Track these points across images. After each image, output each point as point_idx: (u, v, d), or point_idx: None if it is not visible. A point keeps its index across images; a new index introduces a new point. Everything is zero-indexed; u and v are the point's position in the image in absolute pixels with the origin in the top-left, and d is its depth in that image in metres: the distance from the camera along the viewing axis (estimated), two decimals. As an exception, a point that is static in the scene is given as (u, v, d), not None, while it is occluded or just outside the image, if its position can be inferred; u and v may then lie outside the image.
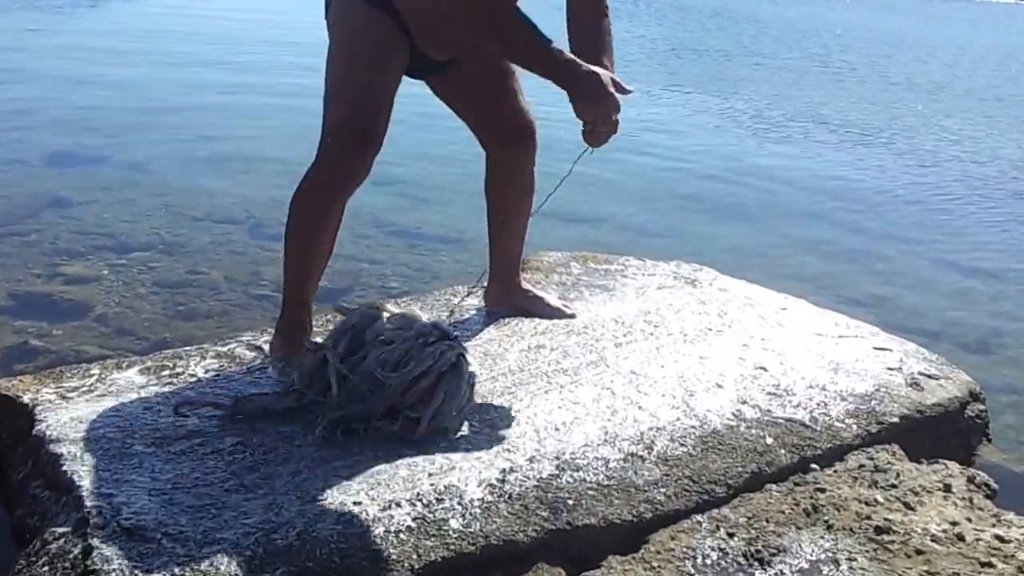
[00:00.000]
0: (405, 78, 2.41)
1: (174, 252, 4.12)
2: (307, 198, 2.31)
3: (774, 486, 2.14)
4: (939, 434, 2.52)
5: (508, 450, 2.05)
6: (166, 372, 2.37)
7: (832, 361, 2.66)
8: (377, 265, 4.28)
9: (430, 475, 1.92)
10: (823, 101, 10.44)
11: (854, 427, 2.35)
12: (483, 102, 2.57)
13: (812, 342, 2.78)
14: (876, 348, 2.80)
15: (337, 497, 1.82)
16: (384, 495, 1.84)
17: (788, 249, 5.04)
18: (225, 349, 2.54)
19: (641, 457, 2.08)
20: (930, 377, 2.67)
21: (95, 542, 1.65)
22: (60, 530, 1.74)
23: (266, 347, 2.52)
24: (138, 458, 1.94)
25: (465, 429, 2.12)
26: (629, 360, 2.53)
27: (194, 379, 2.34)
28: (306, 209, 2.32)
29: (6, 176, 5.07)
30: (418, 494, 1.85)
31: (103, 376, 2.34)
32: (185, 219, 4.57)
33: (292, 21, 12.91)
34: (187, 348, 2.57)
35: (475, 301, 2.92)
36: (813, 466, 2.23)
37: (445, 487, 1.89)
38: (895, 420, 2.42)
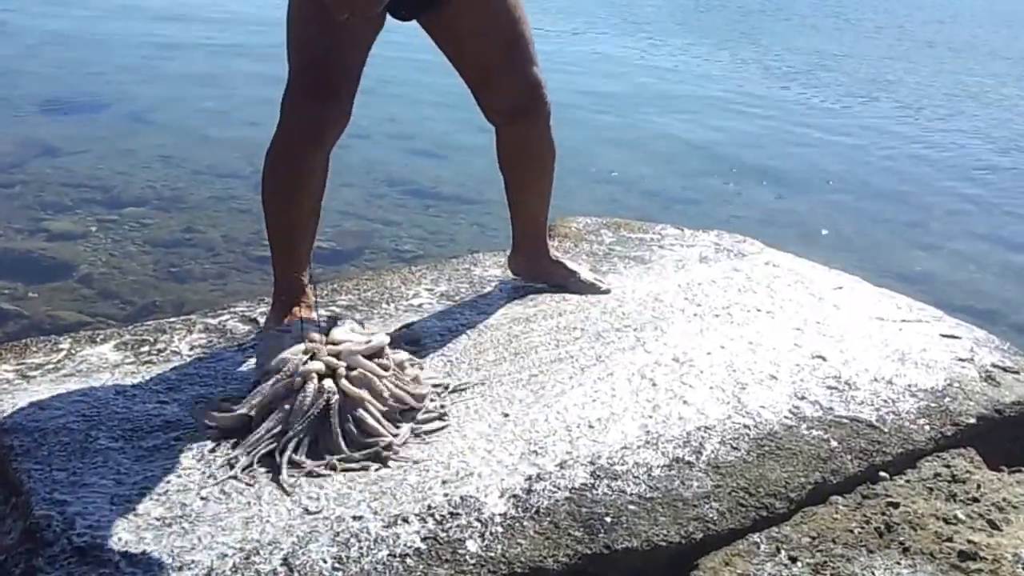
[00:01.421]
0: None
1: (170, 208, 3.84)
2: (277, 158, 2.06)
3: (840, 498, 1.85)
4: (1018, 437, 2.22)
5: (535, 452, 1.76)
6: (145, 348, 2.09)
7: (897, 350, 2.35)
8: (391, 227, 4.00)
9: (444, 483, 1.64)
10: (866, 65, 9.99)
11: (927, 428, 2.05)
12: (482, 65, 2.23)
13: (873, 327, 2.47)
14: (943, 335, 2.49)
15: (333, 509, 1.54)
16: (389, 508, 1.56)
17: (828, 219, 4.72)
18: (215, 322, 2.26)
19: (688, 463, 1.79)
20: (1005, 370, 2.36)
21: (40, 563, 1.37)
22: (5, 541, 1.47)
23: (262, 320, 2.24)
24: (103, 455, 1.65)
25: (484, 425, 1.84)
26: (670, 345, 2.24)
27: (177, 357, 2.06)
28: (278, 167, 2.06)
29: (-9, 123, 4.78)
30: (429, 507, 1.57)
31: (73, 351, 2.06)
32: (185, 172, 4.28)
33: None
34: (172, 320, 2.28)
35: (497, 272, 2.62)
36: (882, 474, 1.93)
37: (461, 499, 1.60)
38: (971, 421, 2.12)
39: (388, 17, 2.09)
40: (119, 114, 5.18)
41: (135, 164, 4.34)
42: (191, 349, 2.10)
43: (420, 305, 2.38)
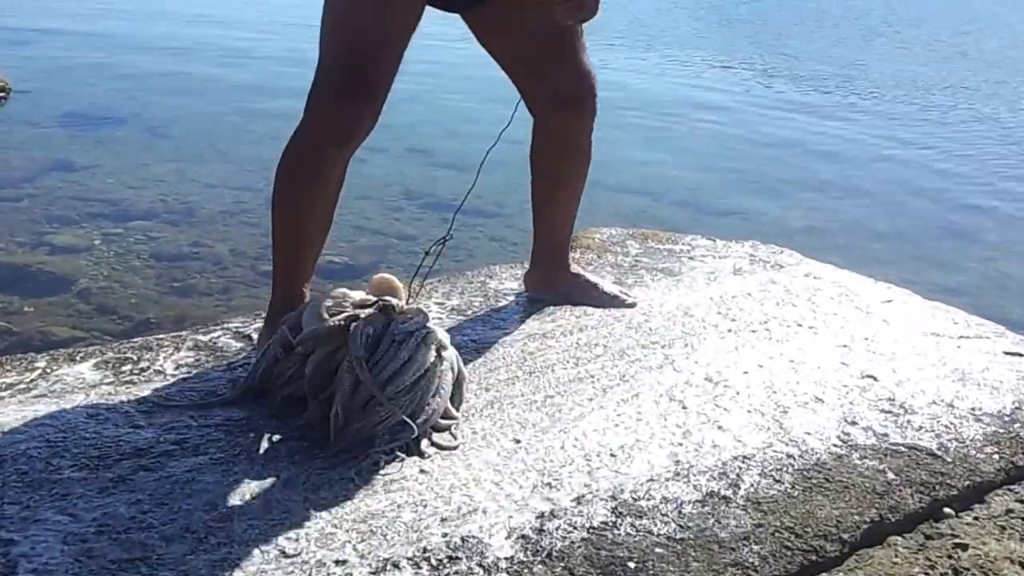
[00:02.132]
0: (435, 14, 1.94)
1: (179, 222, 3.68)
2: (296, 159, 1.87)
3: (899, 539, 1.62)
4: (1095, 467, 1.98)
5: (549, 485, 1.55)
6: (127, 367, 1.91)
7: (956, 369, 2.12)
8: (406, 241, 3.82)
9: (443, 520, 1.43)
10: (900, 74, 9.72)
11: (996, 458, 1.82)
12: (534, 53, 2.08)
13: (928, 344, 2.24)
14: (1007, 353, 2.26)
15: (314, 552, 1.34)
16: (378, 551, 1.35)
17: (870, 231, 4.46)
18: (207, 338, 2.08)
19: (725, 498, 1.57)
20: (1076, 391, 2.12)
21: (-29, 614, 1.19)
22: (-58, 587, 1.29)
23: (256, 336, 2.06)
24: (63, 486, 1.47)
25: (492, 453, 1.63)
26: (702, 363, 2.02)
27: (160, 377, 1.88)
28: (295, 173, 1.88)
29: (9, 137, 4.66)
30: (424, 550, 1.36)
31: (48, 370, 1.88)
32: (197, 185, 4.13)
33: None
34: (160, 336, 2.10)
35: (514, 284, 2.42)
36: (947, 510, 1.70)
37: (462, 539, 1.39)
38: (1045, 449, 1.88)
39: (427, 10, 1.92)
40: (136, 128, 5.06)
41: (148, 178, 4.19)
42: (176, 368, 1.92)
43: (429, 320, 2.19)
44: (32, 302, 2.89)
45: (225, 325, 2.17)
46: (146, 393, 1.80)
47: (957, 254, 4.23)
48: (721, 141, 5.97)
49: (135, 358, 1.95)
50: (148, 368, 1.91)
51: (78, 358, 1.95)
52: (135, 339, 2.09)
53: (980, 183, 5.50)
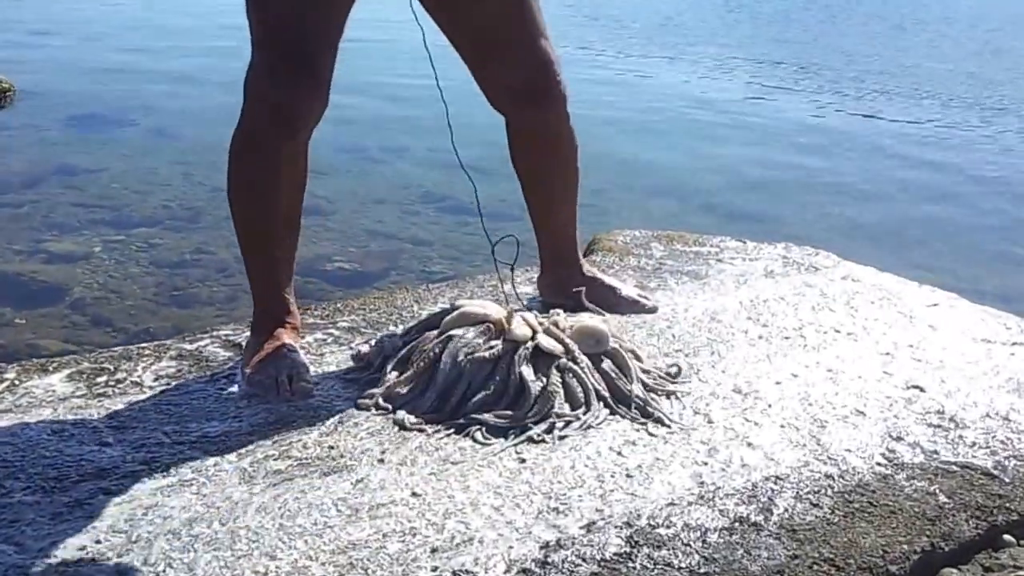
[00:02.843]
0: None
1: (182, 228, 3.54)
2: (243, 147, 1.75)
3: (955, 571, 1.43)
4: None
5: (556, 510, 1.38)
6: (102, 378, 1.76)
7: (1011, 378, 1.92)
8: (420, 246, 3.65)
9: (433, 551, 1.26)
10: (937, 74, 9.47)
11: (1059, 478, 1.62)
12: (484, 43, 1.88)
13: (979, 351, 2.04)
14: (1066, 360, 2.05)
15: (284, 589, 1.18)
16: (358, 588, 1.19)
17: (912, 235, 4.24)
18: (192, 347, 1.93)
19: (755, 525, 1.39)
20: None
21: None
22: None
23: (245, 345, 1.91)
24: (12, 511, 1.32)
25: (493, 473, 1.46)
26: (730, 373, 1.84)
27: (136, 389, 1.73)
28: (244, 162, 1.75)
29: (12, 140, 4.56)
30: (411, 587, 1.20)
31: (17, 382, 1.74)
32: (204, 189, 4.00)
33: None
34: (143, 345, 1.96)
35: (528, 288, 2.26)
36: (1007, 537, 1.51)
37: (455, 573, 1.22)
38: (1113, 467, 1.68)
39: None
40: (144, 132, 4.94)
41: (153, 182, 4.06)
42: (155, 380, 1.77)
43: (432, 327, 2.02)
44: (25, 313, 2.75)
45: (214, 333, 2.02)
46: (119, 407, 1.65)
47: (1005, 259, 4.00)
48: (754, 147, 5.76)
49: (112, 368, 1.80)
50: (125, 380, 1.76)
51: (51, 368, 1.80)
52: (115, 348, 1.95)
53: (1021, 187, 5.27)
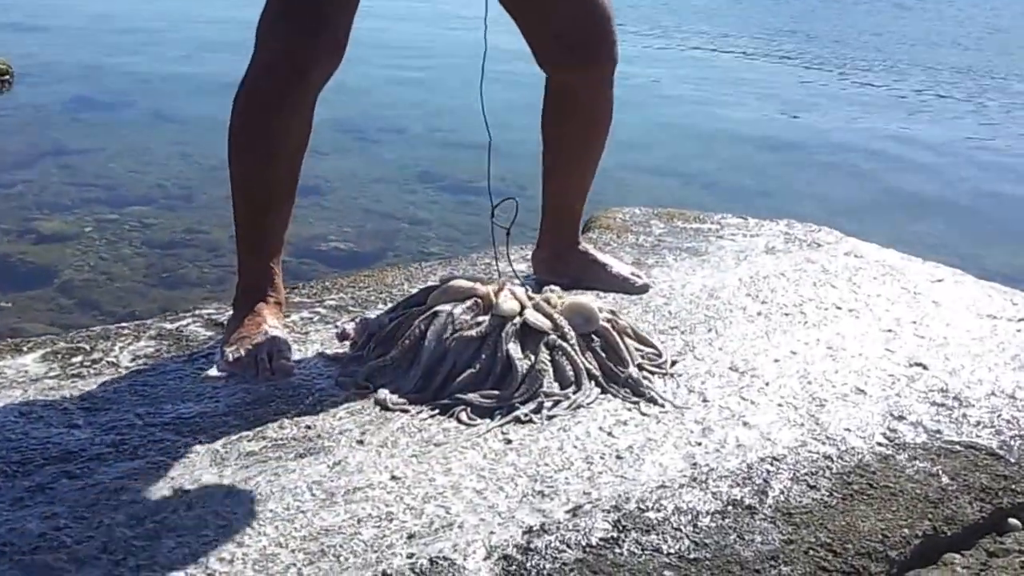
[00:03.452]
0: None
1: (177, 207, 3.48)
2: (252, 95, 1.67)
3: (957, 556, 1.37)
4: None
5: (540, 493, 1.32)
6: (78, 358, 1.71)
7: (1017, 356, 1.86)
8: (417, 225, 3.59)
9: (410, 537, 1.21)
10: (946, 54, 9.33)
11: (1069, 459, 1.56)
12: None
13: (984, 327, 1.98)
14: (1076, 337, 1.98)
15: (251, 577, 1.12)
16: (327, 575, 1.13)
17: (915, 212, 4.16)
18: (173, 327, 1.87)
19: (749, 508, 1.33)
20: None
21: None
22: None
23: (227, 323, 1.85)
24: (-28, 496, 1.27)
25: (477, 455, 1.41)
26: (728, 351, 1.78)
27: (112, 369, 1.67)
28: (251, 112, 1.68)
29: (7, 121, 4.50)
30: (384, 573, 1.14)
31: (-11, 362, 1.68)
32: (201, 169, 3.93)
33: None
34: (122, 324, 1.90)
35: (523, 267, 2.19)
36: (1013, 521, 1.45)
37: (431, 561, 1.17)
38: (1125, 447, 1.62)
39: None
40: (142, 112, 4.88)
41: (149, 162, 4.00)
42: (132, 360, 1.71)
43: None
44: (12, 296, 2.70)
45: (196, 312, 1.96)
46: (93, 388, 1.59)
47: (1014, 237, 3.92)
48: (760, 126, 5.68)
49: (88, 348, 1.75)
50: (101, 360, 1.71)
51: (25, 349, 1.74)
52: (94, 328, 1.89)
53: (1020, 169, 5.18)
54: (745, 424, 1.53)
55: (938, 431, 1.57)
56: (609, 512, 1.29)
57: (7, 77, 5.13)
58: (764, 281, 2.14)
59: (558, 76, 1.93)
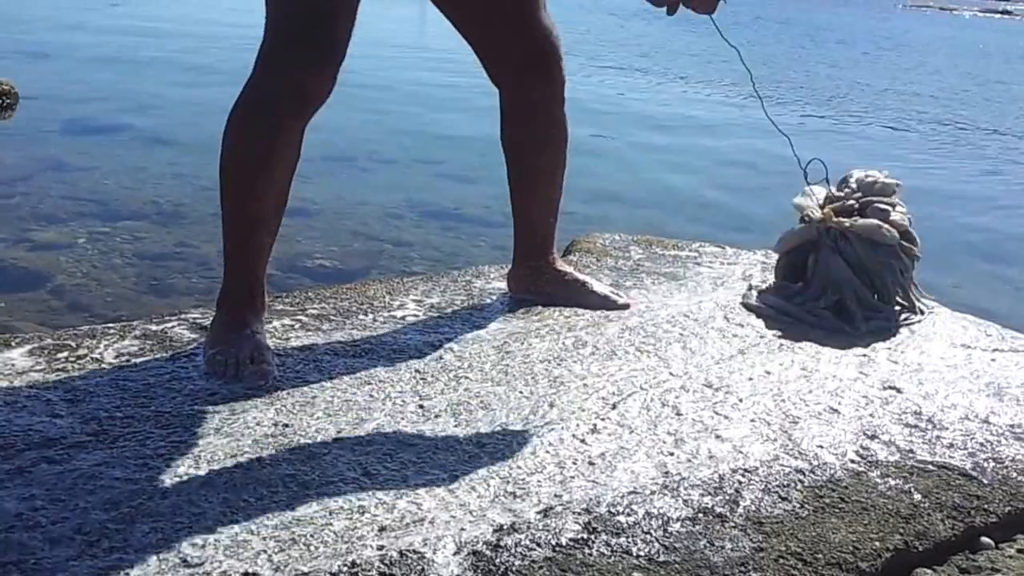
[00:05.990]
0: None
1: (168, 222, 3.51)
2: (245, 121, 1.69)
3: (929, 572, 1.38)
4: None
5: (512, 494, 1.34)
6: (63, 354, 1.72)
7: (991, 383, 1.88)
8: (401, 247, 3.62)
9: (381, 530, 1.22)
10: (915, 90, 9.49)
11: (1038, 481, 1.58)
12: (488, 14, 1.89)
13: (959, 355, 2.00)
14: (1050, 369, 2.01)
15: (220, 562, 1.13)
16: (297, 563, 1.14)
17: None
18: (158, 328, 1.89)
19: (720, 516, 1.35)
20: None
21: None
22: None
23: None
24: (-50, 478, 1.28)
25: (451, 456, 1.42)
26: (703, 368, 1.80)
27: (95, 365, 1.69)
28: (245, 136, 1.69)
29: (10, 141, 4.55)
30: (353, 563, 1.15)
31: (-26, 357, 1.70)
32: (193, 188, 3.97)
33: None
34: (109, 324, 1.92)
35: (501, 284, 2.22)
36: (985, 540, 1.47)
37: (401, 553, 1.18)
38: (1093, 473, 1.64)
39: None
40: (139, 133, 4.93)
41: (144, 179, 4.04)
42: (116, 357, 1.73)
43: (403, 317, 1.99)
44: (3, 297, 2.72)
45: (182, 315, 1.98)
46: (76, 381, 1.60)
47: (989, 274, 3.97)
48: (742, 157, 5.76)
49: (74, 345, 1.76)
50: (85, 356, 1.72)
51: (13, 344, 1.76)
52: (80, 327, 1.91)
53: (1013, 201, 5.26)
54: (718, 437, 1.55)
55: (911, 451, 1.59)
56: (580, 514, 1.30)
57: (9, 100, 5.19)
58: (741, 307, 2.16)
59: (512, 91, 1.97)
